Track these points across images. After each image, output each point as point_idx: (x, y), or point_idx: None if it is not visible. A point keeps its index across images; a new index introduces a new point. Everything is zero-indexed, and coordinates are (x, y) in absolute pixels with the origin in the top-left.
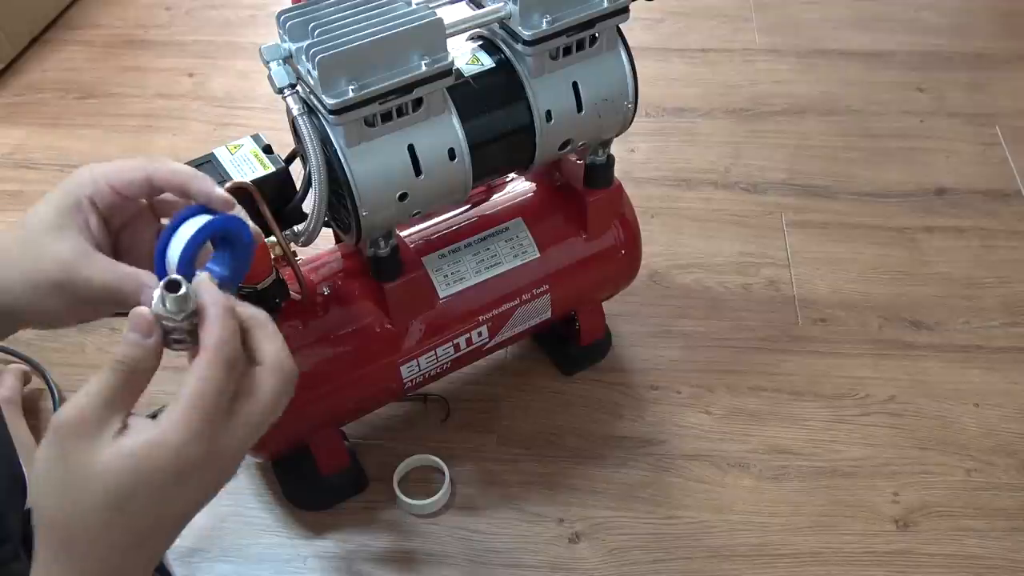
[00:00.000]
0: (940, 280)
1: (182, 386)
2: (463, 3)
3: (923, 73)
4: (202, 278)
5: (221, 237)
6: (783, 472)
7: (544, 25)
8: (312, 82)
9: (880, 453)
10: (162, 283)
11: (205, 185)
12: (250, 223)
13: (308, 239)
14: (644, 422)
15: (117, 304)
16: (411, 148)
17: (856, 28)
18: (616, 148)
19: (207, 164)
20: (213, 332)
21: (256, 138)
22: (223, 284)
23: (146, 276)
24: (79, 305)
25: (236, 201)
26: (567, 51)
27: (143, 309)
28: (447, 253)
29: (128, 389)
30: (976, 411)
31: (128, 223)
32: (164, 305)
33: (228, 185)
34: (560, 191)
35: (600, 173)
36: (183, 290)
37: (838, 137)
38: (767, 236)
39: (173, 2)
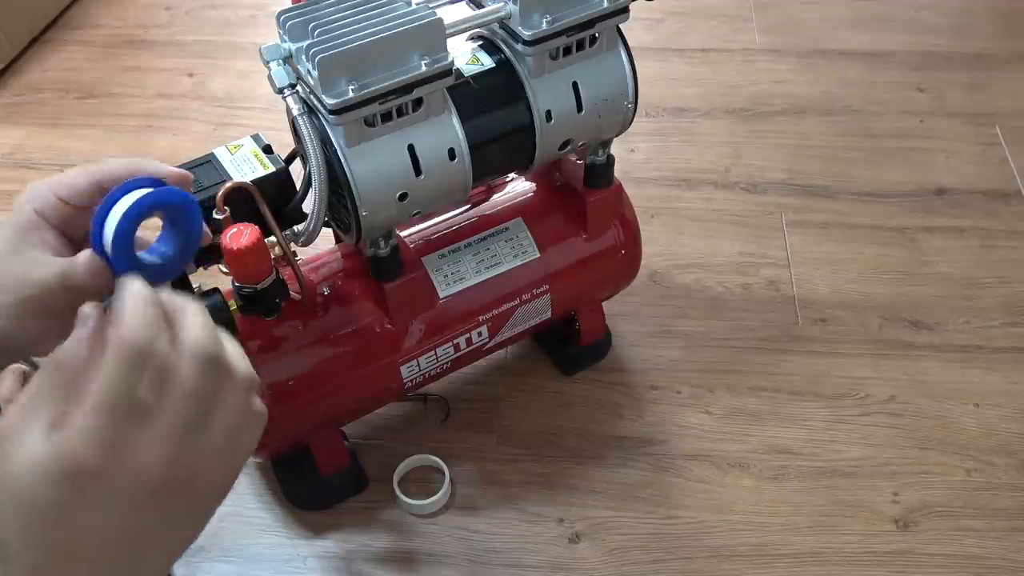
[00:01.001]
0: (940, 280)
1: (101, 364)
2: (463, 3)
3: (923, 73)
4: (125, 278)
5: (169, 213)
6: (783, 472)
7: (544, 25)
8: (312, 82)
9: (880, 453)
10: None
11: (155, 165)
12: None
13: (308, 239)
14: (644, 422)
15: (74, 294)
16: (411, 148)
17: (856, 28)
18: (616, 148)
19: (207, 164)
20: (118, 323)
21: (256, 138)
22: (167, 263)
23: (81, 258)
24: (54, 317)
25: (192, 177)
26: (567, 51)
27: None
28: (447, 253)
29: (51, 384)
30: (976, 411)
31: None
32: None
33: (228, 185)
34: (560, 191)
35: (600, 173)
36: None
37: (838, 137)
38: (767, 236)
39: (173, 2)
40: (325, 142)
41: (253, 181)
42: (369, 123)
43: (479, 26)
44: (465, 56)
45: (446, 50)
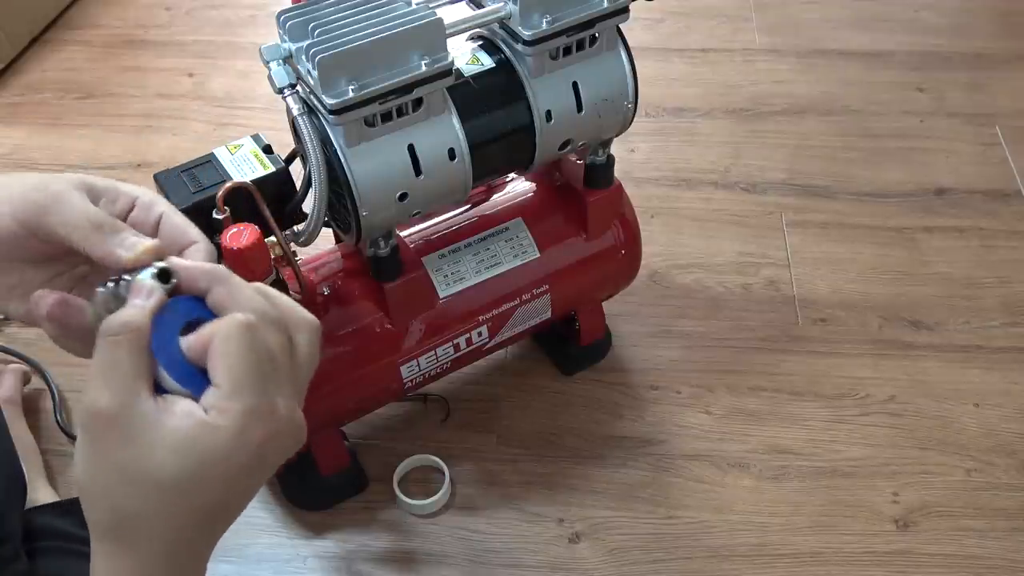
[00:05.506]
0: (940, 280)
1: (217, 354)
2: (463, 3)
3: (923, 73)
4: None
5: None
6: (783, 472)
7: (544, 25)
8: (312, 82)
9: (880, 453)
10: (153, 272)
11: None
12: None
13: (308, 239)
14: (644, 422)
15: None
16: (411, 148)
17: (856, 28)
18: (616, 148)
19: (207, 164)
20: (243, 302)
21: (256, 138)
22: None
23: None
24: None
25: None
26: (567, 51)
27: (147, 279)
28: (447, 253)
29: (142, 356)
30: (976, 411)
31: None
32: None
33: (228, 185)
34: (560, 191)
35: (600, 173)
36: (174, 280)
37: (838, 137)
38: (767, 236)
39: (173, 2)
40: (325, 142)
41: (253, 181)
42: (369, 123)
43: (479, 26)
44: (465, 56)
45: (446, 50)
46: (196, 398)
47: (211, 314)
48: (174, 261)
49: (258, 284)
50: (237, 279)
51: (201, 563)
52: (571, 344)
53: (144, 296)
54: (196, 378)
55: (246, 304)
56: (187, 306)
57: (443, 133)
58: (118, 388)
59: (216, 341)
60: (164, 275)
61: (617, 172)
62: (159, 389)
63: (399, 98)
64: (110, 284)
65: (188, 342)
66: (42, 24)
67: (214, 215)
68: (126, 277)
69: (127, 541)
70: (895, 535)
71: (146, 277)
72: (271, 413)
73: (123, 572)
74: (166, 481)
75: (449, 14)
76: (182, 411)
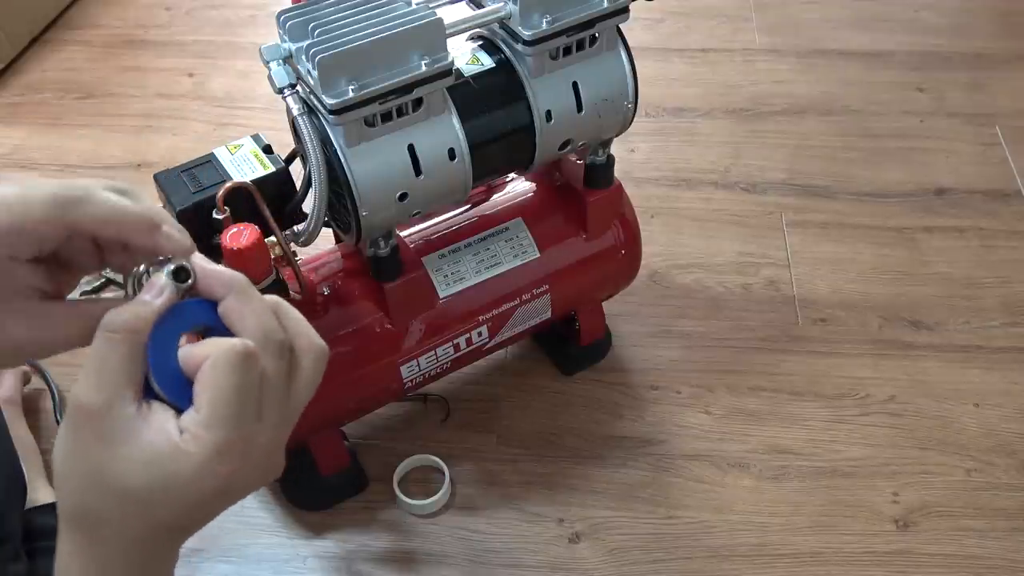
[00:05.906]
0: (940, 280)
1: (205, 380)
2: (463, 3)
3: (923, 73)
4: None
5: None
6: (783, 472)
7: (544, 25)
8: (312, 82)
9: (880, 453)
10: (170, 269)
11: (162, 238)
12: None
13: (308, 239)
14: (644, 422)
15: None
16: (411, 148)
17: (856, 28)
18: (616, 148)
19: (207, 164)
20: (308, 333)
21: (256, 138)
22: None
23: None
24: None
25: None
26: (567, 51)
27: (162, 277)
28: (447, 253)
29: (136, 359)
30: (976, 411)
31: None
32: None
33: (228, 185)
34: (560, 191)
35: (600, 173)
36: (191, 281)
37: (838, 137)
38: (767, 236)
39: (173, 2)
40: (325, 142)
41: (253, 181)
42: (369, 123)
43: (479, 26)
44: (465, 56)
45: (446, 50)
46: (180, 410)
47: (220, 323)
48: (196, 261)
49: (274, 299)
50: (254, 292)
51: (163, 564)
52: (571, 344)
53: (154, 294)
54: (184, 392)
55: (254, 324)
56: (196, 311)
57: (443, 133)
58: (104, 386)
59: (206, 367)
60: (181, 273)
61: (617, 172)
62: (147, 388)
63: (399, 98)
64: (142, 267)
65: (184, 355)
66: (42, 24)
67: (214, 215)
68: (156, 266)
69: (87, 534)
70: (895, 535)
71: (163, 274)
72: (244, 449)
73: (81, 559)
74: (129, 490)
75: (449, 14)
76: (159, 426)
